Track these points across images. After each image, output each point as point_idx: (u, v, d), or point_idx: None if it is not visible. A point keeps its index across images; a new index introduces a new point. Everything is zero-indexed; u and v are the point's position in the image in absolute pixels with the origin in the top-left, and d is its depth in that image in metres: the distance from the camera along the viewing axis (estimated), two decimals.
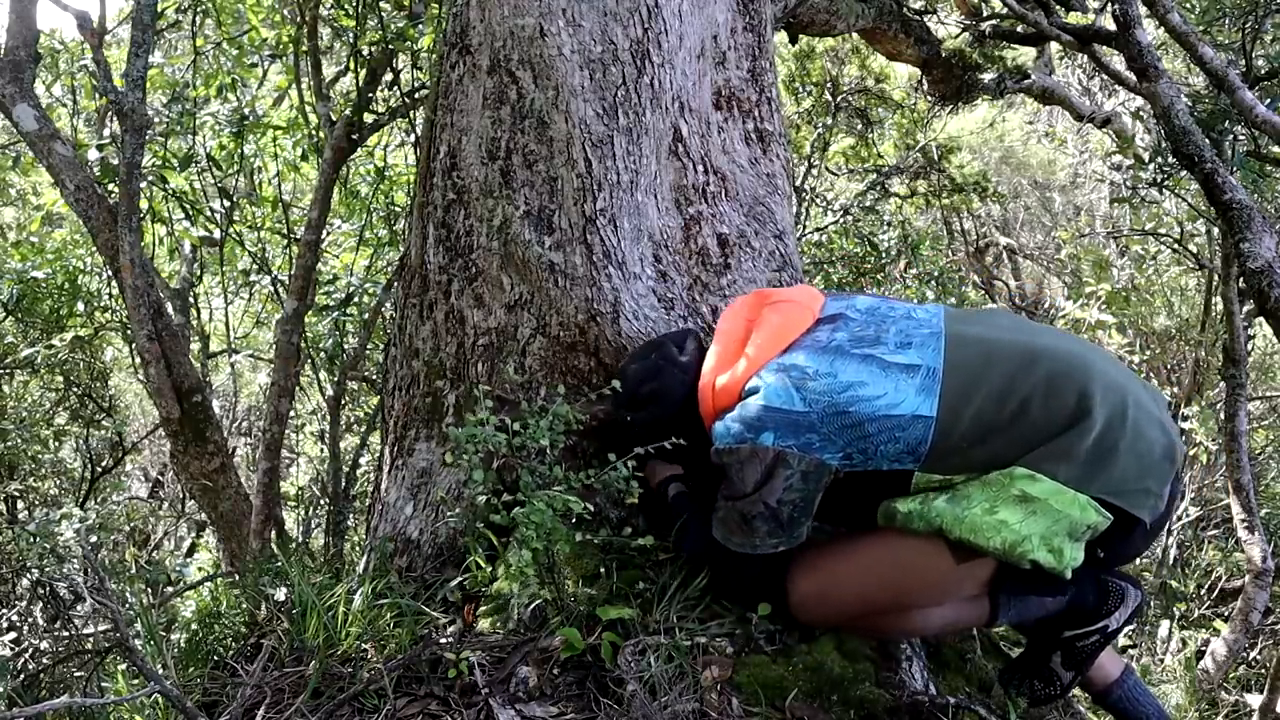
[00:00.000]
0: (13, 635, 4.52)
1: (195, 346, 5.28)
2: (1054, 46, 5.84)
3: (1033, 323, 1.86)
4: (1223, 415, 4.69)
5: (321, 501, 5.49)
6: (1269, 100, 3.71)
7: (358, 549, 3.62)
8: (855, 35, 5.37)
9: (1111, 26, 3.47)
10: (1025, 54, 5.93)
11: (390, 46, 3.90)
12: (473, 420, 1.91)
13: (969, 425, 1.62)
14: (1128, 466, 1.59)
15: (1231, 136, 3.70)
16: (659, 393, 1.88)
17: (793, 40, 5.24)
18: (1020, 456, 1.60)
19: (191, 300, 5.49)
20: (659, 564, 2.00)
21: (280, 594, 2.12)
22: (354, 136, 3.89)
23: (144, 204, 4.22)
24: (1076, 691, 2.01)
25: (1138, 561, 5.64)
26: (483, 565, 2.06)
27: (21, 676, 3.93)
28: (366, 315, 4.46)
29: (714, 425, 1.76)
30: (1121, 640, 4.59)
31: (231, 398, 7.44)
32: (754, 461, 1.68)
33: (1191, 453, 5.65)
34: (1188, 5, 4.28)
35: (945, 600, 1.77)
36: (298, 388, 4.50)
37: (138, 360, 4.14)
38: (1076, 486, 1.57)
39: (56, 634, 4.68)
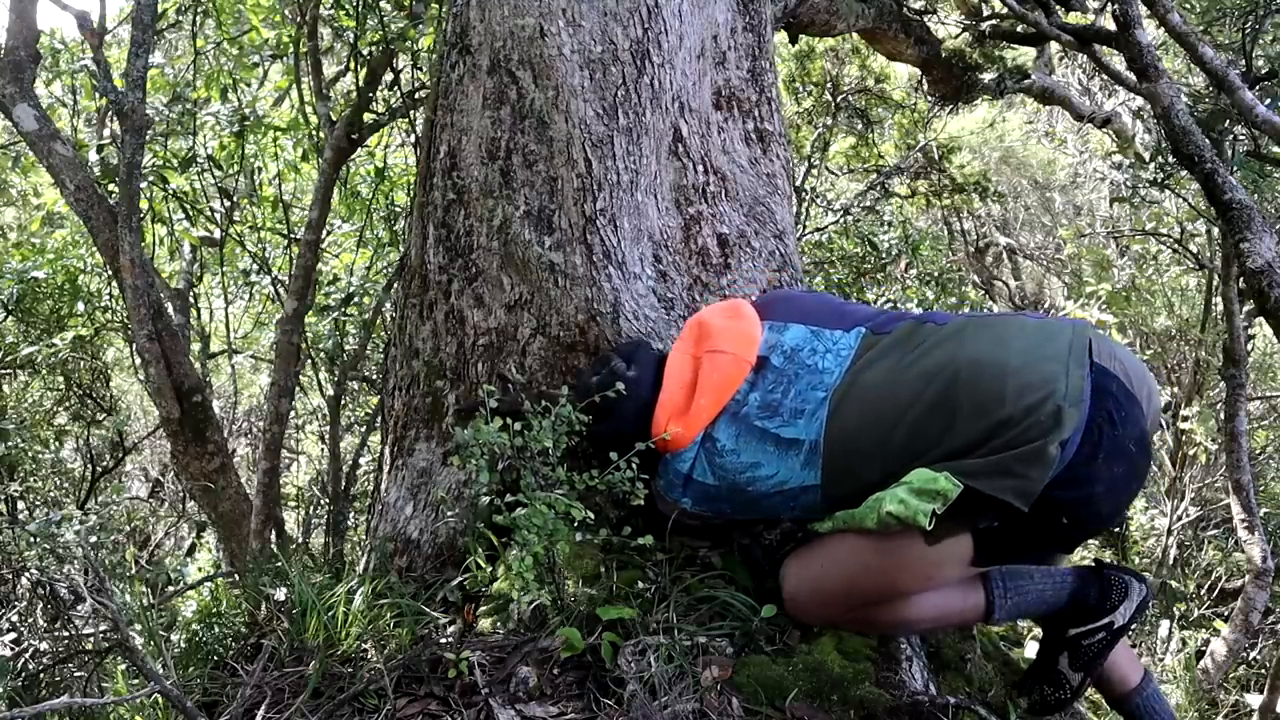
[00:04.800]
0: (13, 635, 4.52)
1: (195, 346, 5.28)
2: (1054, 46, 5.84)
3: (964, 321, 1.87)
4: (1223, 415, 4.69)
5: (321, 501, 5.49)
6: (1269, 100, 3.71)
7: (358, 549, 3.62)
8: (855, 35, 5.37)
9: (1111, 26, 3.47)
10: (1025, 54, 5.94)
11: (390, 46, 3.90)
12: (478, 421, 1.91)
13: (856, 476, 1.78)
14: (989, 449, 1.65)
15: (1231, 136, 3.71)
16: (611, 408, 2.00)
17: (793, 40, 5.24)
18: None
19: (191, 300, 5.48)
20: (659, 564, 2.00)
21: (280, 594, 2.12)
22: (354, 136, 3.88)
23: (144, 204, 4.23)
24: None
25: (1136, 561, 5.64)
26: (483, 565, 2.06)
27: (21, 676, 3.93)
28: (366, 315, 4.46)
29: (660, 462, 2.00)
30: None
31: (231, 398, 7.43)
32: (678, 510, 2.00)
33: (1191, 453, 5.65)
34: (1188, 5, 4.28)
35: (931, 582, 1.79)
36: (298, 388, 4.50)
37: (138, 360, 4.14)
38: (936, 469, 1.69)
39: (56, 634, 4.68)
